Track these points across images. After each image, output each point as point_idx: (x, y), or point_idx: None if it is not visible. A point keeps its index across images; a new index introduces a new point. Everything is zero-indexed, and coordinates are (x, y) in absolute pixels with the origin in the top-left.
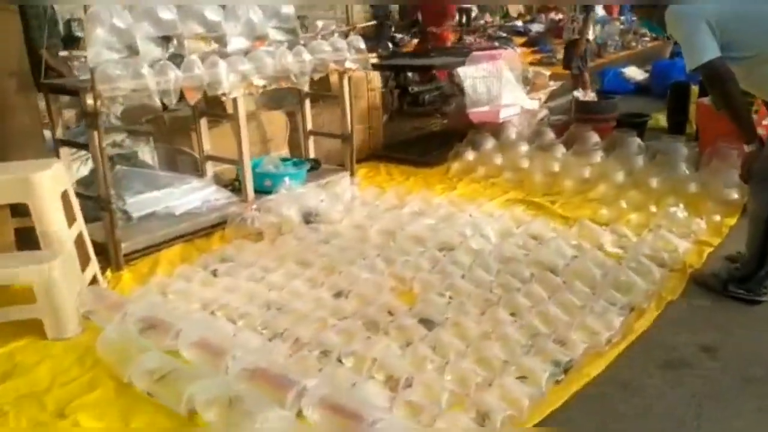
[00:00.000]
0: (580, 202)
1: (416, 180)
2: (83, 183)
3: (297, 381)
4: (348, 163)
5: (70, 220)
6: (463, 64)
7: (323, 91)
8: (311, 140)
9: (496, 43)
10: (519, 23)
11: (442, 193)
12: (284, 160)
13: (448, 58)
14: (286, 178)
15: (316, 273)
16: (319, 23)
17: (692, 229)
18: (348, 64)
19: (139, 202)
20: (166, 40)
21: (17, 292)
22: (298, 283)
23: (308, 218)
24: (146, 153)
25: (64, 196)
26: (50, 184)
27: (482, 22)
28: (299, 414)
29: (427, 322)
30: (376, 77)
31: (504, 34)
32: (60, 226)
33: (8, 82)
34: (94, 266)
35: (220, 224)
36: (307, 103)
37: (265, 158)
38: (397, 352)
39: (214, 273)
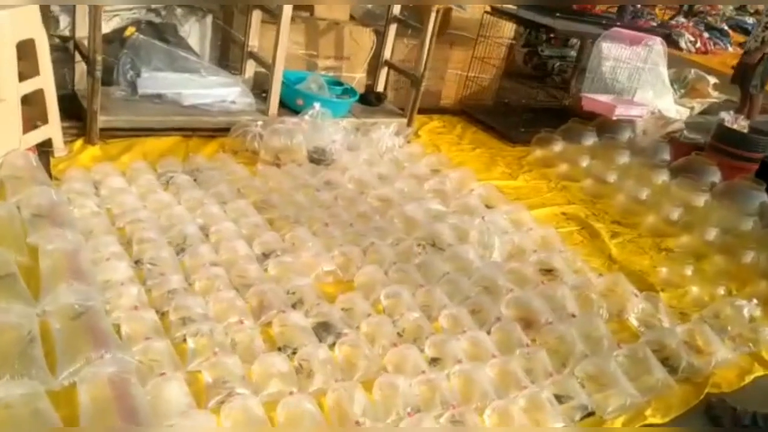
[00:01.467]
0: (647, 247)
1: (481, 153)
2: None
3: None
4: (409, 110)
5: (28, 73)
6: (598, 36)
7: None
8: (384, 72)
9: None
10: (749, 20)
11: (495, 178)
12: (336, 83)
13: (589, 27)
14: (317, 104)
15: (261, 224)
16: None
17: (755, 338)
18: None
19: (150, 79)
20: None
21: None
22: (231, 227)
23: (314, 156)
24: (195, 31)
25: (25, 45)
26: (4, 27)
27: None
28: None
29: (326, 327)
30: (508, 27)
31: (725, 27)
32: (5, 74)
33: None
34: (52, 130)
35: (224, 130)
36: (393, 28)
37: (312, 75)
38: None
39: (167, 183)
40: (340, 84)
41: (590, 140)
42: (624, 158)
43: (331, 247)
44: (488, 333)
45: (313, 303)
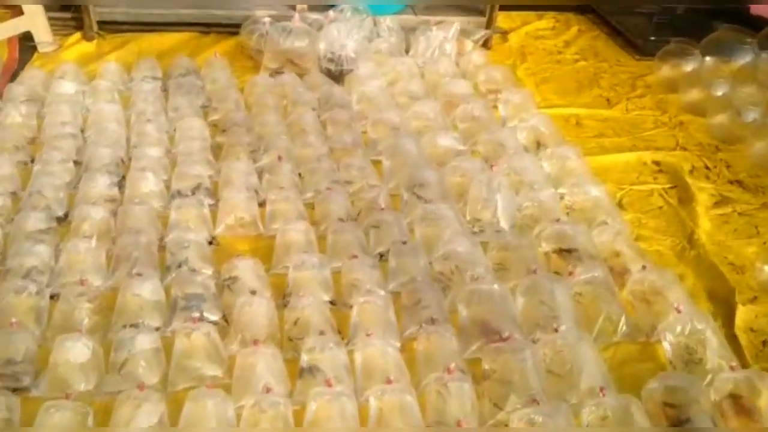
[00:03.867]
0: (764, 227)
1: (584, 68)
2: None
3: None
4: (489, 7)
5: None
6: None
7: None
8: None
9: None
10: None
11: (581, 104)
12: None
13: None
14: None
15: (196, 152)
16: None
17: None
18: None
19: None
20: None
21: None
22: (155, 155)
23: (327, 64)
24: None
25: None
26: None
27: None
28: None
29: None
30: None
31: None
32: None
33: None
34: (28, 23)
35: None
36: None
37: None
38: None
39: (163, 89)
40: None
41: (743, 58)
42: None
43: (270, 189)
44: (414, 337)
45: (190, 264)
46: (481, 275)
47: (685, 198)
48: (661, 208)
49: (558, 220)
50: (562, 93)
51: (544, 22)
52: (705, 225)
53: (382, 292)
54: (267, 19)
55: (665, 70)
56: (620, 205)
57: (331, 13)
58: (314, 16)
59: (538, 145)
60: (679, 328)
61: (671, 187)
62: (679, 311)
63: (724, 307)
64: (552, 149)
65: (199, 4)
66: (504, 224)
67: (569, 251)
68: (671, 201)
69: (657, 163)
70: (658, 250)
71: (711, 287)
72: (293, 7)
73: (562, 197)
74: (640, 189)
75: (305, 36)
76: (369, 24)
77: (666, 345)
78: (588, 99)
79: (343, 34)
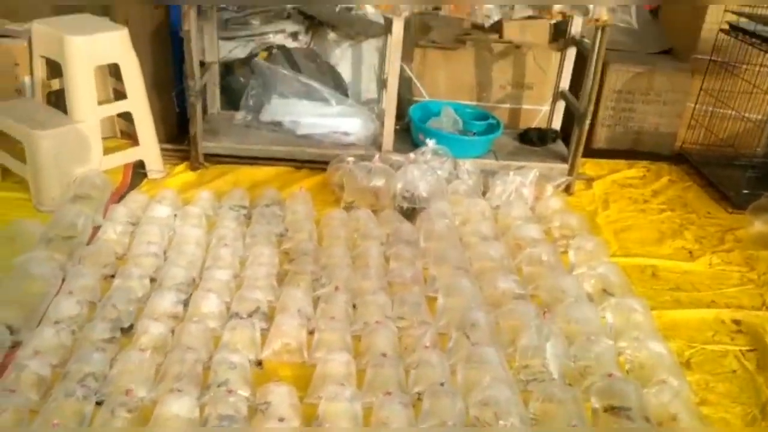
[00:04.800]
0: None
1: (668, 218)
2: (233, 66)
3: None
4: (571, 153)
5: (110, 97)
6: None
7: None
8: (561, 105)
9: None
10: None
11: (662, 255)
12: (482, 116)
13: None
14: (430, 141)
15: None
16: None
17: None
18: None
19: (273, 106)
20: None
21: None
22: (223, 277)
23: (403, 202)
24: (347, 57)
25: (105, 70)
26: (81, 51)
27: None
28: None
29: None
30: None
31: None
32: (80, 97)
33: None
34: (143, 152)
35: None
36: (572, 52)
37: (447, 108)
38: None
39: (247, 217)
40: (485, 117)
41: None
42: None
43: (322, 318)
44: None
45: (230, 385)
46: (515, 425)
47: (765, 363)
48: (734, 371)
49: (611, 375)
50: (641, 242)
51: (634, 170)
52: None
53: None
54: (351, 159)
55: (757, 225)
56: (687, 365)
57: (411, 155)
58: (396, 157)
59: (606, 294)
60: None
61: (750, 350)
62: None
63: None
64: (617, 300)
65: (293, 143)
66: (554, 374)
67: (620, 409)
68: (748, 365)
69: (737, 322)
70: (724, 417)
71: None
72: (378, 148)
73: (621, 352)
74: (714, 349)
75: (383, 175)
76: (449, 166)
77: None
78: (669, 250)
79: (418, 175)
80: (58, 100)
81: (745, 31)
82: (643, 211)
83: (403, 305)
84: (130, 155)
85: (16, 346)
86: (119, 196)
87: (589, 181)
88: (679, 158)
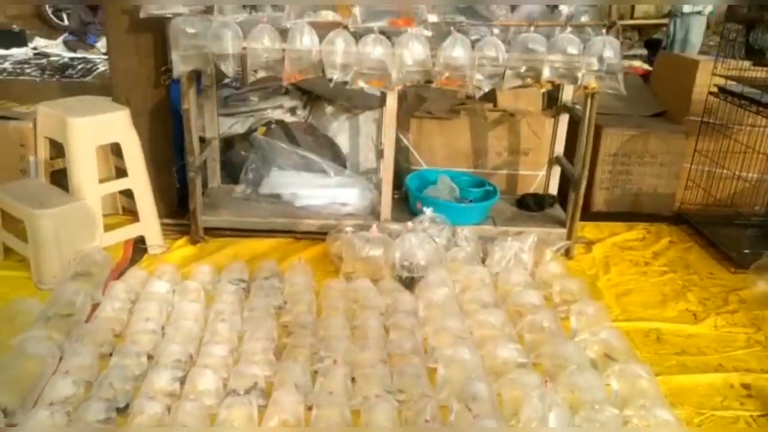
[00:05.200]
0: None
1: (671, 280)
2: (233, 141)
3: None
4: (568, 218)
5: (112, 174)
6: None
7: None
8: (557, 170)
9: None
10: None
11: (667, 318)
12: (479, 183)
13: None
14: (428, 209)
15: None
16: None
17: None
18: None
19: (272, 179)
20: None
21: None
22: (220, 352)
23: (401, 272)
24: (344, 129)
25: (107, 148)
26: (83, 132)
27: None
28: None
29: None
30: None
31: None
32: (82, 176)
33: None
34: (143, 228)
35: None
36: (565, 118)
37: (443, 177)
38: None
39: (246, 290)
40: (482, 184)
41: None
42: None
43: (320, 393)
44: None
45: None
46: None
47: None
48: None
49: None
50: (644, 306)
51: (634, 232)
52: None
53: None
54: (349, 229)
55: (761, 285)
56: None
57: (409, 223)
58: (394, 226)
59: (609, 360)
60: None
61: (761, 415)
62: None
63: None
64: (621, 366)
65: (292, 215)
66: None
67: None
68: None
69: (746, 386)
70: None
71: None
72: (376, 217)
73: (628, 420)
74: (723, 415)
75: (382, 244)
76: (447, 233)
77: None
78: (673, 313)
79: (416, 243)
80: (61, 179)
81: (733, 94)
82: (644, 274)
83: (403, 377)
84: (130, 231)
85: (11, 427)
86: (119, 272)
87: (589, 244)
88: (678, 219)
